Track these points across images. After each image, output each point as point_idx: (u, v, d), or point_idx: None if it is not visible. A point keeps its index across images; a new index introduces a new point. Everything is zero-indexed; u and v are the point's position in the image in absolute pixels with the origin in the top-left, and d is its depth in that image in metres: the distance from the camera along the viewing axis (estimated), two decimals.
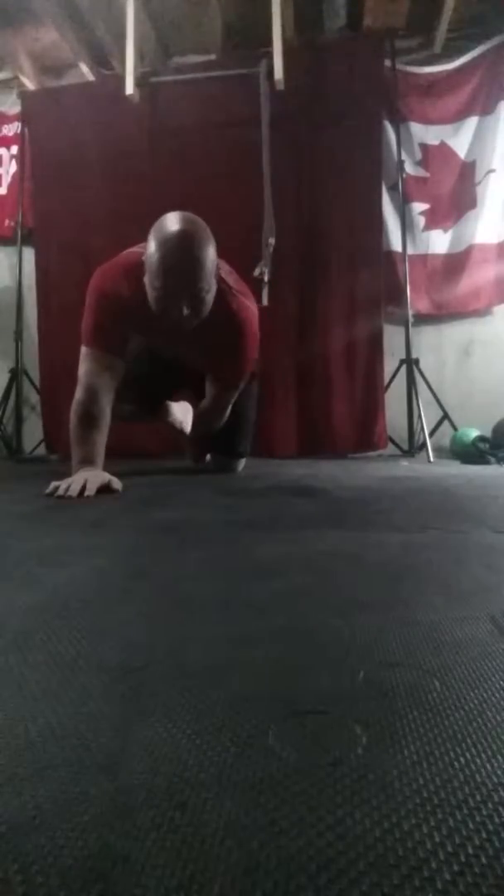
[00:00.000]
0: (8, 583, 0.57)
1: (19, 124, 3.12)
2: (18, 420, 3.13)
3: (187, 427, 2.20)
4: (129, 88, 2.68)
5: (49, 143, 3.00)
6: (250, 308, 1.60)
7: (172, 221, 1.33)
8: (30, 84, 3.14)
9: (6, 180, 3.28)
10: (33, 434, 3.12)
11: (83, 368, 1.50)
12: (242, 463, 1.99)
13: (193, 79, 2.82)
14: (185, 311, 1.33)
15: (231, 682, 0.35)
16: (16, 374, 3.05)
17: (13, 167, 3.24)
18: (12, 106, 3.22)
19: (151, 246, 1.33)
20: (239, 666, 0.37)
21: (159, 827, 0.22)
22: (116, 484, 1.33)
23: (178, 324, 1.37)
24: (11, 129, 3.26)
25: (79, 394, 1.49)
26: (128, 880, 0.20)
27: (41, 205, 3.03)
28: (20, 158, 3.12)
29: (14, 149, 3.21)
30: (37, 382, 3.09)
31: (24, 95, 3.09)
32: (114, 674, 0.36)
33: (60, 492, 1.24)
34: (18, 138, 3.14)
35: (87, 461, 1.42)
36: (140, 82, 2.73)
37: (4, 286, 3.26)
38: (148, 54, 2.93)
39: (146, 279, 1.36)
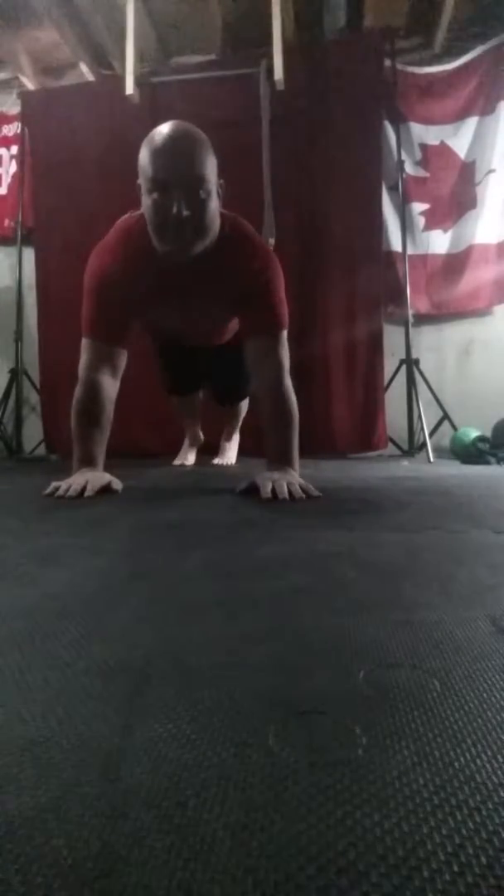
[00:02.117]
0: (8, 583, 0.57)
1: (19, 124, 3.13)
2: (18, 420, 3.13)
3: (197, 440, 2.26)
4: (129, 88, 2.68)
5: (49, 143, 3.00)
6: (265, 243, 1.47)
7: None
8: (30, 84, 3.14)
9: (6, 180, 3.28)
10: (33, 434, 3.12)
11: (82, 361, 1.43)
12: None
13: (193, 79, 2.82)
14: (185, 212, 1.18)
15: (231, 682, 0.35)
16: (16, 374, 3.05)
17: (13, 167, 3.25)
18: (12, 106, 3.22)
19: (143, 151, 1.23)
20: (239, 666, 0.37)
21: (159, 827, 0.22)
22: (116, 485, 1.32)
23: (181, 237, 1.22)
24: (11, 129, 3.27)
25: (78, 391, 1.44)
26: (128, 880, 0.20)
27: (41, 205, 3.04)
28: (20, 158, 3.12)
29: (14, 149, 3.22)
30: (37, 382, 3.09)
31: (24, 95, 3.10)
32: (114, 674, 0.36)
33: (60, 492, 1.23)
34: (18, 138, 3.14)
35: (87, 461, 1.40)
36: (140, 82, 2.73)
37: (4, 286, 3.26)
38: (148, 54, 2.94)
39: (143, 199, 1.25)
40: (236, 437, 2.34)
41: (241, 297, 1.39)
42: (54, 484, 1.27)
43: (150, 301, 1.42)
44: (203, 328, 1.66)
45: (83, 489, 1.24)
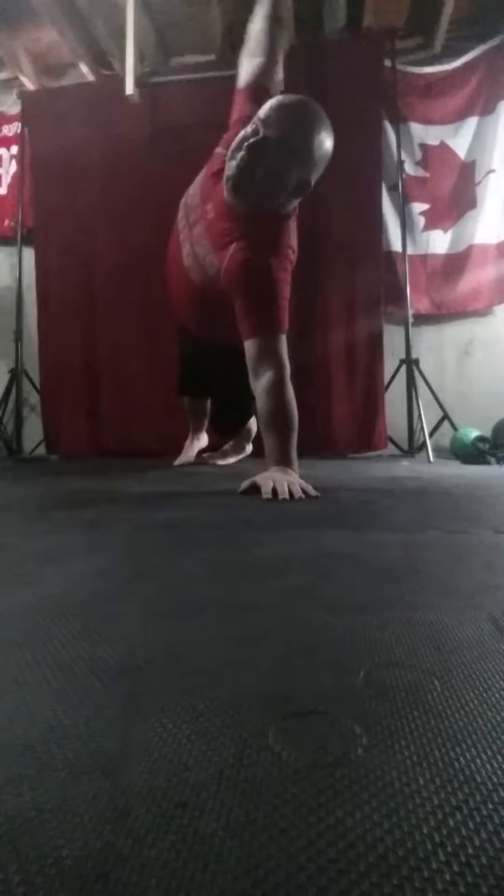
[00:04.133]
0: (8, 583, 0.57)
1: (19, 124, 3.13)
2: (18, 420, 3.13)
3: (199, 444, 2.27)
4: (129, 88, 2.68)
5: (49, 143, 3.00)
6: (292, 257, 1.53)
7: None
8: (30, 84, 3.14)
9: (6, 180, 3.28)
10: (33, 434, 3.12)
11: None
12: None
13: (193, 79, 2.82)
14: (266, 162, 1.29)
15: (231, 682, 0.35)
16: (16, 374, 3.05)
17: (13, 167, 3.24)
18: (12, 106, 3.22)
19: (272, 101, 1.33)
20: (239, 666, 0.37)
21: (159, 827, 0.22)
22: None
23: (245, 169, 1.32)
24: (11, 129, 3.26)
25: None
26: (128, 880, 0.20)
27: (41, 205, 3.04)
28: (20, 158, 3.12)
29: (14, 149, 3.21)
30: (37, 382, 3.09)
31: (24, 95, 3.10)
32: (114, 674, 0.36)
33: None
34: (18, 138, 3.14)
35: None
36: (140, 82, 2.73)
37: (4, 286, 3.26)
38: (148, 54, 2.93)
39: (239, 135, 1.36)
40: (241, 455, 2.31)
41: (243, 289, 1.42)
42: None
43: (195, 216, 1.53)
44: (196, 281, 1.66)
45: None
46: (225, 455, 2.31)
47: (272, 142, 1.27)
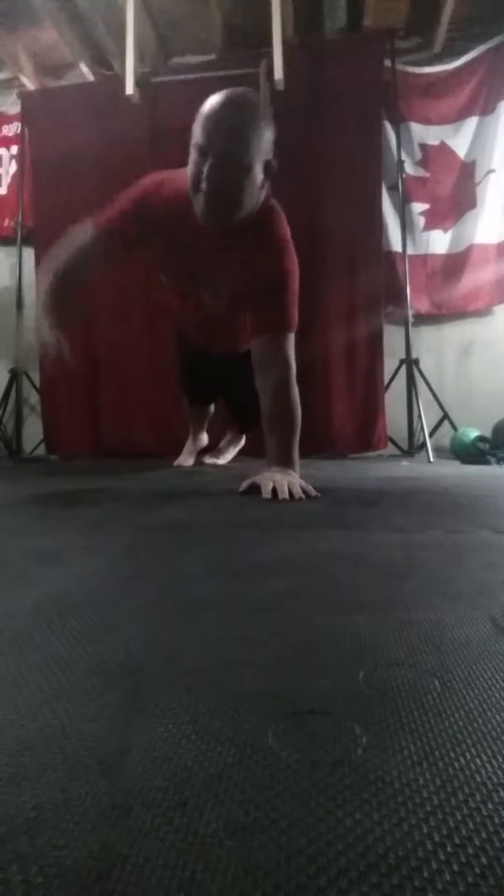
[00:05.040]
0: (8, 583, 0.57)
1: (19, 124, 3.13)
2: (18, 420, 3.13)
3: (201, 443, 2.27)
4: (129, 88, 2.68)
5: (49, 143, 3.00)
6: (292, 245, 1.46)
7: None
8: (30, 84, 3.14)
9: (6, 180, 3.28)
10: (33, 434, 3.12)
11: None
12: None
13: (193, 79, 2.82)
14: (217, 177, 1.20)
15: (231, 682, 0.35)
16: (16, 374, 3.05)
17: (13, 167, 3.25)
18: (12, 106, 3.22)
19: (199, 112, 1.24)
20: (239, 666, 0.37)
21: (159, 827, 0.22)
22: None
23: (212, 205, 1.24)
24: (11, 129, 3.27)
25: (66, 247, 1.40)
26: (128, 880, 0.20)
27: (41, 205, 3.03)
28: (20, 158, 3.12)
29: (14, 149, 3.22)
30: (37, 382, 3.09)
31: (24, 95, 3.10)
32: (114, 674, 0.36)
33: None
34: (18, 138, 3.14)
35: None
36: (140, 82, 2.73)
37: (4, 286, 3.26)
38: (148, 54, 2.93)
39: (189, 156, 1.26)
40: (237, 446, 2.35)
41: (255, 287, 1.39)
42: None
43: (173, 246, 1.43)
44: (211, 312, 1.63)
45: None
46: (221, 453, 2.31)
47: (223, 159, 1.20)
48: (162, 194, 1.38)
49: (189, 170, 1.26)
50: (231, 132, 1.19)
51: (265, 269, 1.36)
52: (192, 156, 1.24)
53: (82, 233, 1.41)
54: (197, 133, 1.22)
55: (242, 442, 2.34)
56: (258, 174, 1.26)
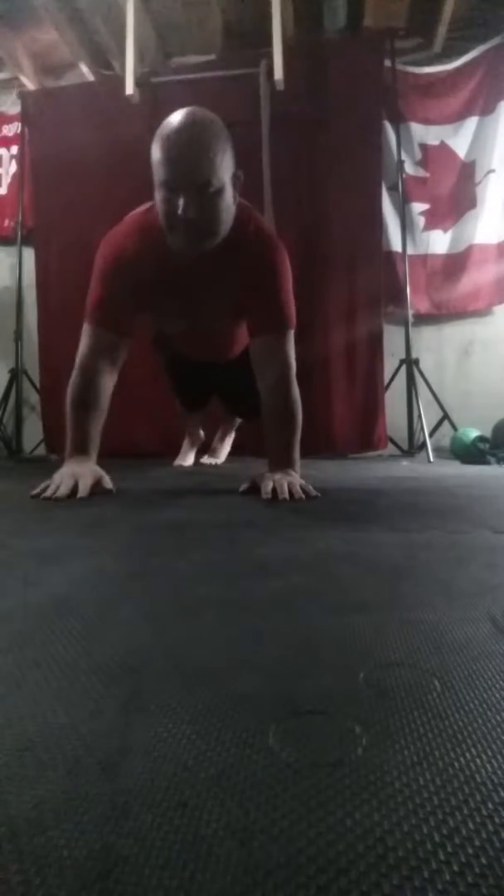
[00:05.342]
0: (8, 583, 0.57)
1: (19, 124, 3.13)
2: (18, 420, 3.13)
3: (197, 441, 2.27)
4: (129, 88, 2.68)
5: (49, 143, 3.00)
6: (277, 238, 1.41)
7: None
8: (30, 84, 3.14)
9: (6, 180, 3.28)
10: (33, 434, 3.12)
11: (81, 348, 1.36)
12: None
13: (193, 79, 2.82)
14: (192, 214, 1.14)
15: (231, 682, 0.34)
16: (16, 374, 3.05)
17: (13, 167, 3.25)
18: (12, 106, 3.22)
19: (153, 146, 1.19)
20: (239, 666, 0.37)
21: (159, 827, 0.22)
22: (107, 483, 1.26)
23: (189, 236, 1.19)
24: (11, 129, 3.27)
25: (74, 378, 1.36)
26: (128, 880, 0.20)
27: (41, 205, 3.04)
28: (20, 158, 3.12)
29: (14, 149, 3.22)
30: (37, 382, 3.09)
31: (24, 95, 3.10)
32: (114, 674, 0.36)
33: (48, 493, 1.17)
34: (18, 138, 3.14)
35: (80, 449, 1.33)
36: (140, 82, 2.73)
37: (4, 286, 3.26)
38: (148, 54, 2.93)
39: (155, 192, 1.22)
40: (230, 438, 2.35)
41: (249, 293, 1.36)
42: (43, 484, 1.20)
43: (160, 291, 1.38)
44: (211, 330, 1.61)
45: (73, 490, 1.18)
46: (218, 451, 2.31)
47: (195, 194, 1.15)
48: (129, 248, 1.33)
49: (160, 208, 1.20)
50: (197, 161, 1.14)
51: (258, 274, 1.34)
52: (161, 193, 1.18)
53: (86, 341, 1.37)
54: (157, 167, 1.17)
55: (235, 429, 2.32)
56: (229, 190, 1.22)
